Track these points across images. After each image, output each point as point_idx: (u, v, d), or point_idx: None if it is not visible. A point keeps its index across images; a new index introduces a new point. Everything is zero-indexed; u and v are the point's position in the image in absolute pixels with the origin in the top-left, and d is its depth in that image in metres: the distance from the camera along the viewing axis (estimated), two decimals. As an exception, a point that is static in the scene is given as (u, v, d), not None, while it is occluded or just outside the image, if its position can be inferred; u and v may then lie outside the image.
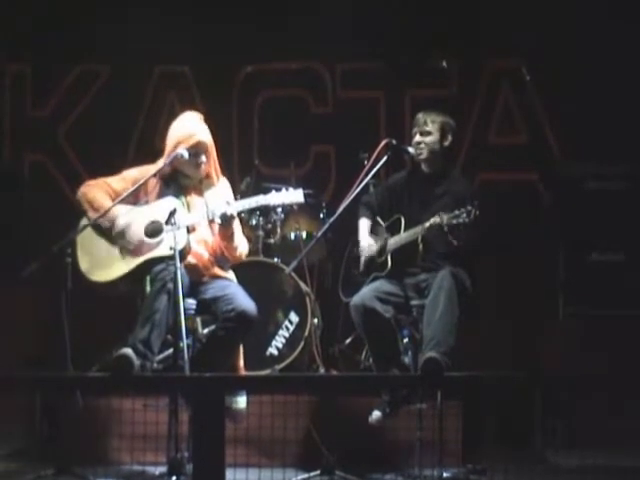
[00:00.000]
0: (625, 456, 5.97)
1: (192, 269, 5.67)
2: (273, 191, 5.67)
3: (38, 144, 7.90)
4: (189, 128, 5.75)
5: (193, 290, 5.68)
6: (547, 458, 6.24)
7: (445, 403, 5.75)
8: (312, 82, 7.84)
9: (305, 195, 5.67)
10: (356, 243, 6.08)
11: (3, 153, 7.90)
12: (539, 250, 7.15)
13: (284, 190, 5.66)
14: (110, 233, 5.67)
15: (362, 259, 6.01)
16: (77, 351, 6.10)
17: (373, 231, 6.07)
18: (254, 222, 6.88)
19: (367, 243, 5.99)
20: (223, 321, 5.58)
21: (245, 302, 5.59)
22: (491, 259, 6.82)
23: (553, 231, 6.98)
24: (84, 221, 5.71)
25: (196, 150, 5.73)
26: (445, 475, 5.66)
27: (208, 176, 5.83)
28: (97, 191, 5.74)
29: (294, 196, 5.64)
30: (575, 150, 7.38)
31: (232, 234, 5.67)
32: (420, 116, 5.97)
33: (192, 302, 5.68)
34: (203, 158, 5.75)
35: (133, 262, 5.63)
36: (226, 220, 5.59)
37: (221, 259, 5.78)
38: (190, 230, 5.63)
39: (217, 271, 5.76)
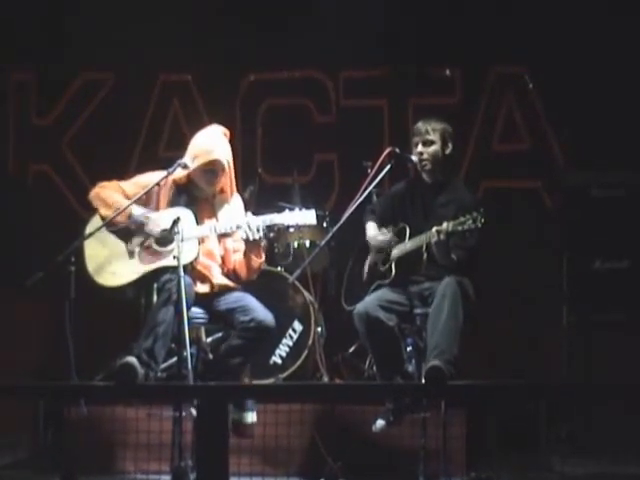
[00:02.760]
0: (631, 464, 5.96)
1: (200, 279, 5.68)
2: (287, 210, 5.68)
3: (42, 153, 7.90)
4: (208, 145, 5.73)
5: (204, 302, 5.67)
6: (552, 466, 6.21)
7: (449, 411, 5.74)
8: (315, 90, 7.84)
9: (317, 217, 5.72)
10: (360, 252, 6.08)
11: (7, 162, 7.90)
12: (542, 258, 7.14)
13: (297, 210, 5.69)
14: (123, 231, 5.67)
15: (371, 253, 5.98)
16: (81, 360, 6.10)
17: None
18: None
19: (377, 233, 5.96)
20: (240, 331, 5.58)
21: (263, 313, 5.61)
22: (493, 266, 6.81)
23: (557, 238, 6.96)
24: (91, 225, 5.70)
25: (212, 168, 5.72)
26: (449, 483, 5.66)
27: (222, 191, 5.83)
28: (110, 190, 5.75)
29: (307, 218, 5.65)
30: (579, 157, 7.37)
31: (256, 252, 5.70)
32: (420, 125, 5.94)
33: (198, 311, 5.68)
34: (217, 176, 5.74)
35: (143, 269, 5.63)
36: (253, 242, 5.62)
37: (232, 276, 5.79)
38: (199, 242, 5.64)
39: (227, 282, 5.76)
